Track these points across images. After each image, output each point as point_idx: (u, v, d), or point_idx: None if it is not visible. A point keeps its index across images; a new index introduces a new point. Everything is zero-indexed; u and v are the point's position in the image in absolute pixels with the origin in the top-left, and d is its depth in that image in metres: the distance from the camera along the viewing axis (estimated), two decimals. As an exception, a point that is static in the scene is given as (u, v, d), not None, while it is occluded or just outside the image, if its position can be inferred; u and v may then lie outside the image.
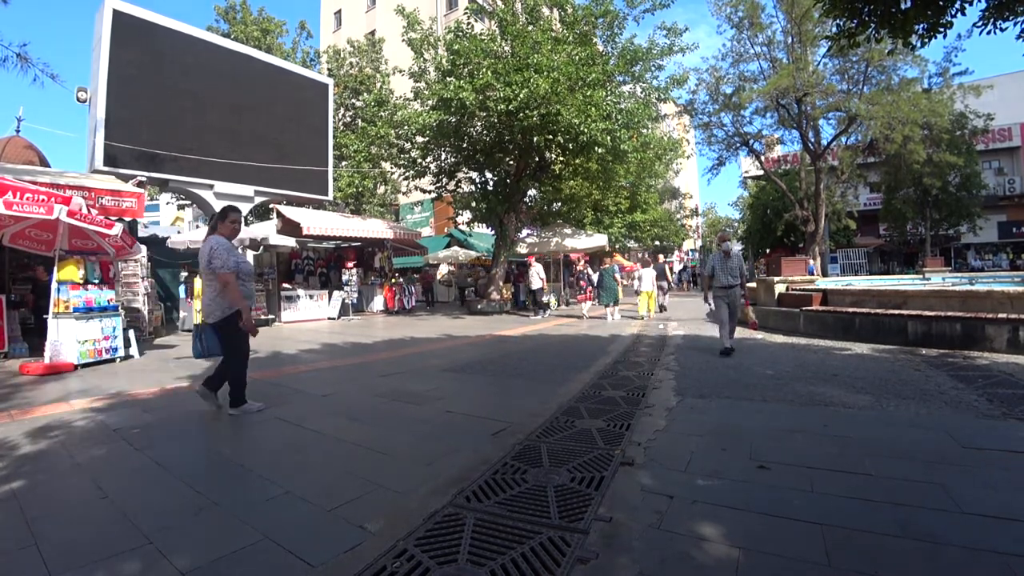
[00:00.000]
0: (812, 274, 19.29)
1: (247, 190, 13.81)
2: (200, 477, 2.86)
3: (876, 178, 27.51)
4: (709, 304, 7.06)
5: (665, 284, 15.87)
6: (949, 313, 6.97)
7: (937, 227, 29.04)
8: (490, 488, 2.58)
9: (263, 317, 12.60)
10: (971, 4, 4.52)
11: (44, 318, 6.75)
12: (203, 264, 4.03)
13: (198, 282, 10.36)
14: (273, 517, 2.36)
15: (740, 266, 6.90)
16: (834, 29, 5.35)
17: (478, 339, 9.21)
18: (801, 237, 26.64)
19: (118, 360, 7.09)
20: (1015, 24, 4.59)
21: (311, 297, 14.03)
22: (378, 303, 16.30)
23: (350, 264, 15.07)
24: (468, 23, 13.41)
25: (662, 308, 14.89)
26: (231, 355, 4.17)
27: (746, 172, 35.17)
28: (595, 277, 13.88)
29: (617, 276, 13.67)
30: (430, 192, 16.57)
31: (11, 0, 6.64)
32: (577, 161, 15.00)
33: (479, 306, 15.41)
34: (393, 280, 16.85)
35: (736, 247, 6.16)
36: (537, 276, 14.22)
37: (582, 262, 14.88)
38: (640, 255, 34.85)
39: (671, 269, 35.68)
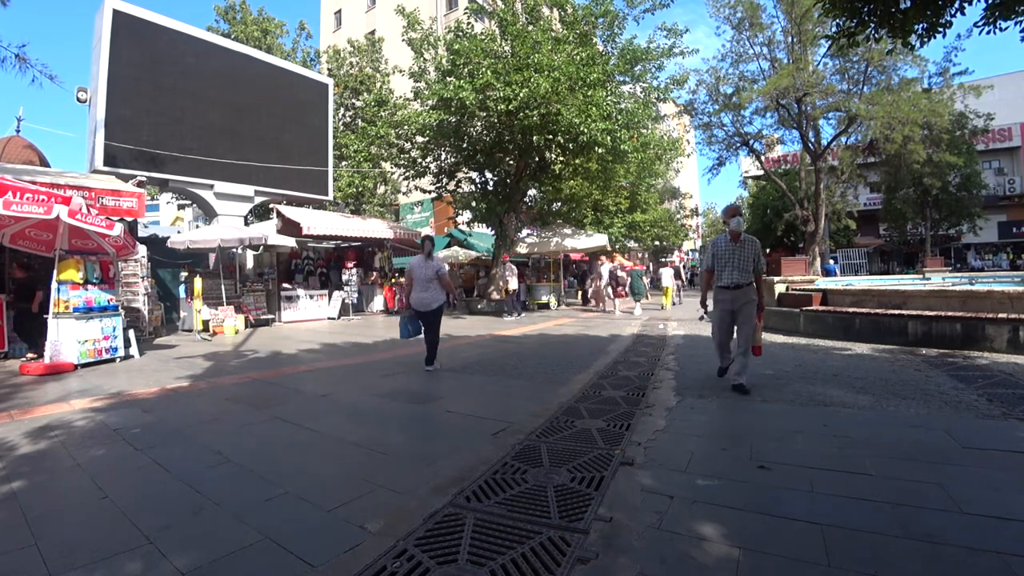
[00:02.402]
0: (832, 274, 19.67)
1: (247, 190, 13.83)
2: (200, 477, 2.86)
3: (876, 178, 27.52)
4: (705, 310, 5.12)
5: (680, 283, 19.30)
6: (949, 313, 6.97)
7: (937, 227, 29.06)
8: (490, 488, 2.58)
9: (263, 317, 12.60)
10: (970, 4, 4.51)
11: (44, 318, 6.74)
12: (430, 274, 6.05)
13: (198, 282, 10.41)
14: (273, 517, 2.36)
15: (756, 256, 4.63)
16: (834, 29, 5.35)
17: (478, 339, 9.21)
18: (801, 237, 26.67)
19: (118, 360, 7.08)
20: (1016, 24, 4.59)
21: (311, 297, 14.02)
22: (378, 303, 16.30)
23: (350, 264, 15.07)
24: (468, 23, 13.41)
25: (674, 303, 17.40)
26: (437, 330, 6.18)
27: (746, 172, 35.18)
28: (613, 276, 15.41)
29: (644, 278, 16.02)
30: (430, 192, 16.56)
31: (10, 0, 6.64)
32: (577, 161, 15.00)
33: (479, 306, 15.41)
34: (394, 280, 16.84)
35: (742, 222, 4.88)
36: (512, 277, 14.37)
37: (612, 263, 16.78)
38: (640, 255, 34.88)
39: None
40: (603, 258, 16.43)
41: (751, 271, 4.62)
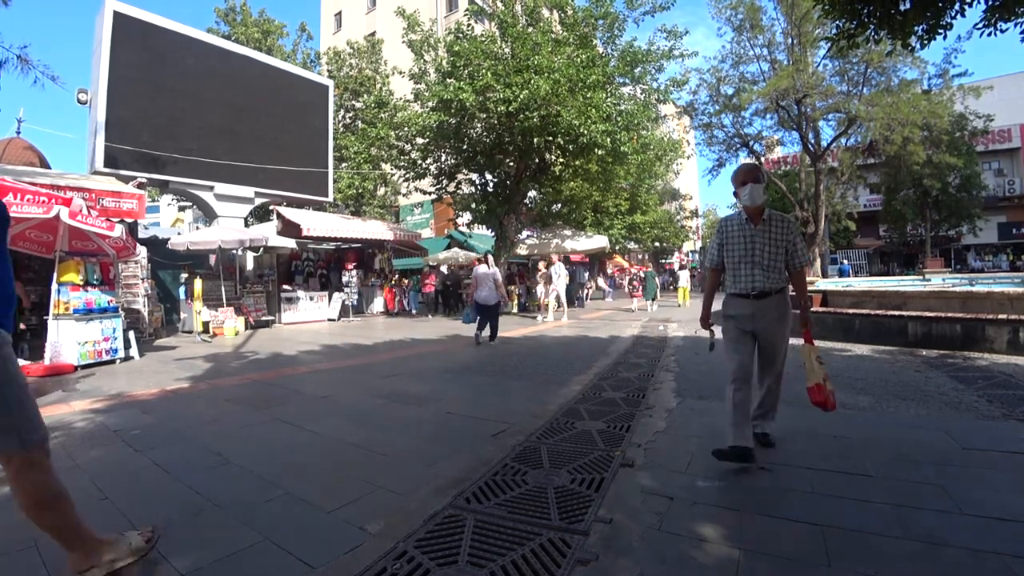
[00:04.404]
0: (847, 274, 19.98)
1: (247, 191, 13.84)
2: (200, 478, 2.86)
3: (876, 179, 27.58)
4: (712, 333, 3.25)
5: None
6: (949, 314, 6.96)
7: (937, 228, 29.09)
8: (490, 489, 2.58)
9: (263, 318, 12.60)
10: (970, 5, 4.52)
11: None
12: (490, 279, 8.48)
13: (198, 284, 10.42)
14: (273, 518, 2.36)
15: (792, 243, 3.03)
16: (834, 31, 5.36)
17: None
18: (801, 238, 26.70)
19: (118, 361, 7.08)
20: (1016, 25, 4.59)
21: (311, 298, 14.03)
22: (378, 304, 16.30)
23: (350, 265, 15.07)
24: (468, 24, 13.43)
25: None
26: (496, 318, 8.62)
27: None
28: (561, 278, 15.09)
29: (657, 279, 17.30)
30: (430, 194, 16.58)
31: (12, 1, 6.66)
32: (577, 162, 15.02)
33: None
34: (394, 282, 16.85)
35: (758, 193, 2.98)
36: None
37: (635, 267, 17.22)
38: (641, 256, 34.89)
39: (669, 269, 36.21)
40: (554, 257, 13.93)
41: (783, 268, 3.04)
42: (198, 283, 10.43)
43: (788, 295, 3.10)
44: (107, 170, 10.87)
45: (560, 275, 13.21)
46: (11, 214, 5.76)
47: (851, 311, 8.18)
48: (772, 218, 3.03)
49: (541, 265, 15.07)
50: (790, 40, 21.45)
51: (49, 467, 1.78)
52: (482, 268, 8.70)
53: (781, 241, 3.00)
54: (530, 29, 12.82)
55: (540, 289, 14.17)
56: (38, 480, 1.74)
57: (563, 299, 13.39)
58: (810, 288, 10.25)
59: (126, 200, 8.96)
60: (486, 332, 8.53)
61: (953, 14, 4.60)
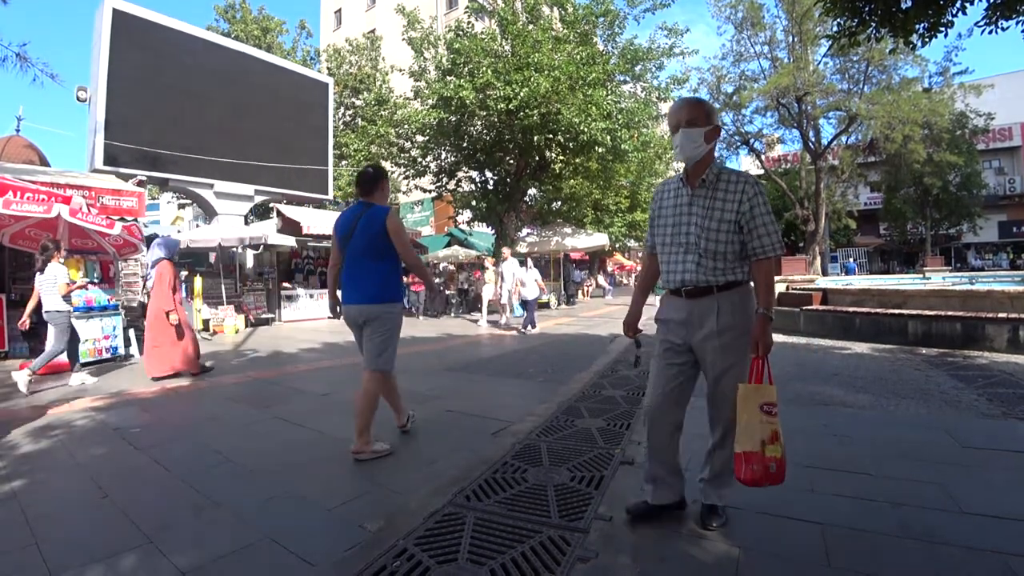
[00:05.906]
0: (853, 272, 20.12)
1: (247, 189, 13.82)
2: (200, 477, 2.86)
3: (876, 177, 27.56)
4: (638, 342, 2.65)
5: None
6: (949, 313, 6.96)
7: (937, 226, 29.11)
8: (490, 487, 2.58)
9: (263, 316, 12.60)
10: (972, 3, 4.52)
11: None
12: (531, 277, 10.28)
13: (198, 281, 10.40)
14: (273, 517, 2.36)
15: (751, 215, 1.95)
16: (835, 28, 5.34)
17: (478, 338, 9.21)
18: (801, 236, 26.69)
19: (118, 359, 7.08)
20: (1017, 23, 4.58)
21: (311, 296, 14.00)
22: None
23: (350, 263, 15.01)
24: (468, 22, 13.41)
25: None
26: (534, 309, 10.21)
27: (746, 171, 35.22)
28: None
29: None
30: (430, 191, 16.57)
31: (11, -1, 6.62)
32: (577, 160, 15.01)
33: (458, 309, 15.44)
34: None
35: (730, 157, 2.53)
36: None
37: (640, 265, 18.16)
38: (640, 256, 34.84)
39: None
40: (505, 252, 11.25)
41: (735, 254, 2.02)
42: (198, 281, 10.41)
43: (749, 295, 2.08)
44: (107, 168, 10.85)
45: (511, 273, 10.63)
46: (12, 212, 5.77)
47: (851, 309, 8.16)
48: (721, 178, 2.02)
49: (488, 262, 12.51)
50: (791, 38, 21.42)
51: (388, 386, 3.26)
52: (521, 268, 10.26)
53: (731, 212, 1.98)
54: (530, 27, 12.79)
55: (487, 289, 11.65)
56: (378, 390, 3.11)
57: (512, 302, 11.05)
58: (810, 286, 10.25)
59: (126, 198, 8.94)
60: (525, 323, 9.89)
61: (954, 12, 4.59)
